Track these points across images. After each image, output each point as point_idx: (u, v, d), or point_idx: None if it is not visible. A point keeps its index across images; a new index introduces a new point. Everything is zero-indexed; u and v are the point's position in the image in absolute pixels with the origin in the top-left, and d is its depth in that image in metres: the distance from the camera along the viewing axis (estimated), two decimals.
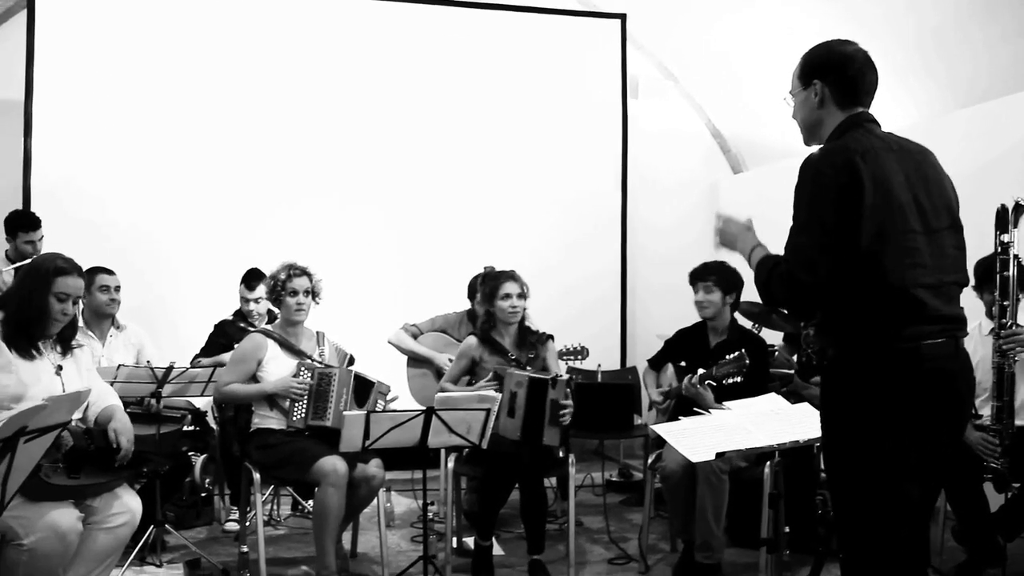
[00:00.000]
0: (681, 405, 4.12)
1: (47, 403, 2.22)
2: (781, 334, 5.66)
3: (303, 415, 3.97)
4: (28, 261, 5.17)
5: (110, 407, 3.26)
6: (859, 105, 2.43)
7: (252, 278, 5.18)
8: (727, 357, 3.99)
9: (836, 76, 2.43)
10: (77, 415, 3.15)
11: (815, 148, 2.44)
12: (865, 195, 2.22)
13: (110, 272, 4.73)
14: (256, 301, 5.15)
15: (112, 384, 3.72)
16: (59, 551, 2.87)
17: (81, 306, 4.68)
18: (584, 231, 7.05)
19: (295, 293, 4.10)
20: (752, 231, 2.62)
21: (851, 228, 2.23)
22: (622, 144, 7.20)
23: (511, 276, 4.37)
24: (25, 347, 3.10)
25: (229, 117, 6.45)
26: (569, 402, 4.07)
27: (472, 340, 4.41)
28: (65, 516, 2.89)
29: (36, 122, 6.12)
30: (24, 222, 5.48)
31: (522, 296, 4.33)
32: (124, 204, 6.24)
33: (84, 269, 4.66)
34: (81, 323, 4.58)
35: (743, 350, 3.95)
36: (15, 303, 3.17)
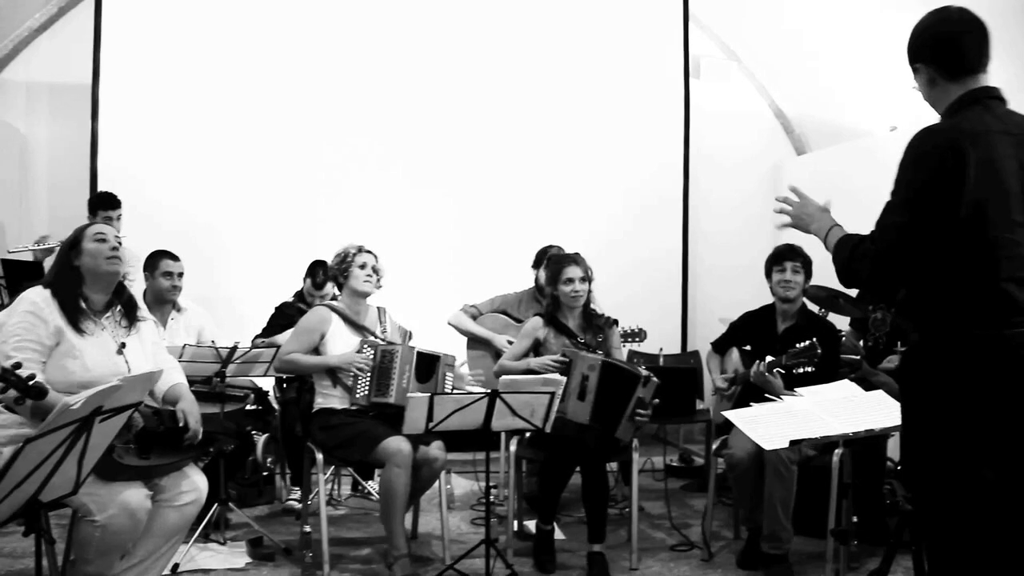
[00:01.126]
0: (748, 391, 4.04)
1: (122, 383, 2.23)
2: (847, 319, 5.54)
3: (366, 392, 3.96)
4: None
5: (177, 386, 3.28)
6: (971, 73, 2.29)
7: (318, 272, 5.17)
8: (798, 346, 3.88)
9: (933, 54, 2.32)
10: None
11: None
12: (967, 181, 2.13)
13: (175, 258, 4.77)
14: (321, 297, 5.13)
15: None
16: (129, 528, 2.90)
17: (143, 287, 4.78)
18: (645, 211, 6.98)
19: (364, 266, 4.12)
20: (828, 212, 2.53)
21: (947, 213, 2.14)
22: (684, 124, 7.11)
23: (574, 260, 4.32)
24: (86, 318, 3.07)
25: (290, 100, 6.48)
26: (650, 411, 4.00)
27: (537, 320, 4.38)
28: (135, 494, 2.92)
29: (103, 106, 6.23)
30: (105, 202, 5.56)
31: (585, 280, 4.28)
32: (186, 187, 6.32)
33: (151, 254, 4.76)
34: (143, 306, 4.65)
35: (815, 339, 3.85)
36: (63, 271, 3.13)
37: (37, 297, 3.03)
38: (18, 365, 2.35)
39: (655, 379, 3.99)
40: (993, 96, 2.29)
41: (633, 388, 3.94)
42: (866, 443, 4.16)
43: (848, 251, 2.30)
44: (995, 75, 2.35)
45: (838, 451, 3.73)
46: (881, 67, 6.30)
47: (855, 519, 3.99)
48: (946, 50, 2.31)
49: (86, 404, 2.00)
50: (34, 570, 2.17)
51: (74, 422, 1.97)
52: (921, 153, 2.20)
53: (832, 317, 5.22)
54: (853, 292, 4.59)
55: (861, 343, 5.36)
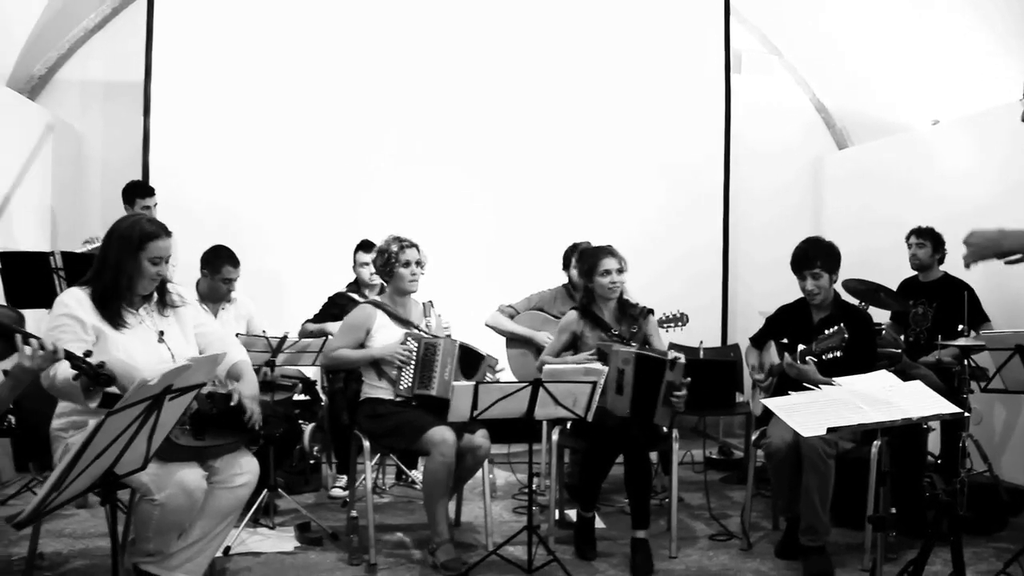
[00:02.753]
0: (784, 382, 4.07)
1: (191, 363, 2.34)
2: (888, 313, 5.54)
3: (410, 383, 4.06)
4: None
5: (240, 363, 3.36)
6: None
7: (366, 246, 5.31)
8: (826, 332, 3.94)
9: None
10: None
11: None
12: None
13: (236, 264, 4.91)
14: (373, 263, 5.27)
15: None
16: (186, 507, 3.02)
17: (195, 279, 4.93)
18: (686, 205, 7.03)
19: (408, 264, 4.20)
20: (1004, 229, 2.60)
21: None
22: (725, 118, 7.12)
23: (609, 251, 4.36)
24: (121, 316, 3.13)
25: (334, 98, 6.61)
26: (684, 391, 4.04)
27: (573, 314, 4.44)
28: (191, 475, 3.04)
29: (154, 102, 6.40)
30: (140, 190, 5.72)
31: (621, 271, 4.34)
32: (234, 181, 6.48)
33: (214, 251, 4.89)
34: (196, 297, 4.79)
35: (842, 324, 3.90)
36: (107, 272, 3.13)
37: (71, 299, 3.09)
38: (89, 353, 2.47)
39: (681, 360, 4.03)
40: None
41: (661, 373, 3.99)
42: (905, 436, 4.20)
43: None
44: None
45: (876, 442, 3.76)
46: (923, 61, 6.28)
47: (893, 510, 4.03)
48: None
49: (160, 381, 2.11)
50: (109, 538, 2.27)
51: (147, 399, 2.08)
52: None
53: (873, 311, 5.24)
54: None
55: (902, 337, 5.38)
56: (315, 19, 6.59)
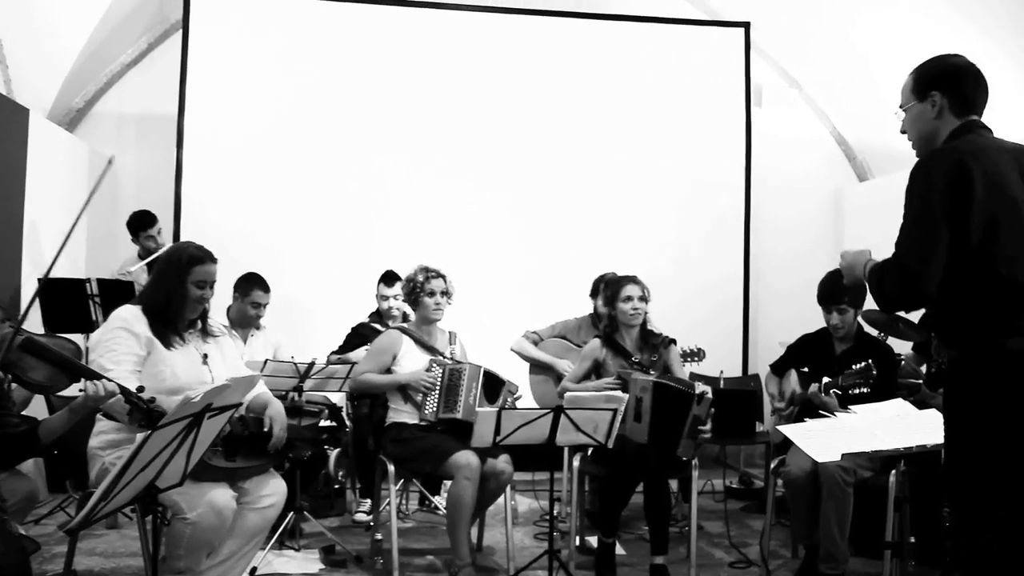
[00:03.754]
0: (805, 411, 4.12)
1: (230, 383, 2.45)
2: (910, 344, 5.57)
3: (435, 408, 4.16)
4: (159, 253, 5.60)
5: (263, 395, 3.50)
6: (973, 113, 2.50)
7: (389, 278, 5.43)
8: (853, 368, 3.98)
9: (954, 86, 2.50)
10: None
11: None
12: (975, 189, 2.28)
13: (266, 290, 5.04)
14: (395, 298, 5.39)
15: None
16: (216, 526, 3.11)
17: (227, 305, 5.05)
18: (706, 238, 7.11)
19: (433, 294, 4.31)
20: (865, 251, 2.65)
21: (960, 222, 2.29)
22: (745, 149, 7.21)
23: (632, 279, 4.48)
24: (170, 337, 3.29)
25: (360, 131, 6.77)
26: (709, 426, 4.11)
27: (596, 342, 4.53)
28: (222, 495, 3.13)
29: (187, 135, 6.57)
30: (140, 221, 5.89)
31: (643, 299, 4.42)
32: (262, 210, 6.63)
33: (245, 277, 5.02)
34: (226, 323, 4.92)
35: (870, 361, 3.94)
36: (157, 295, 3.33)
37: (127, 314, 3.27)
38: (141, 388, 2.58)
39: (709, 395, 4.09)
40: (982, 126, 2.48)
41: (688, 406, 4.05)
42: (925, 464, 4.22)
43: (879, 273, 2.44)
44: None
45: (895, 470, 3.79)
46: None
47: (912, 539, 4.05)
48: (966, 87, 2.50)
49: (205, 397, 2.22)
50: (139, 556, 2.36)
51: (189, 416, 2.19)
52: (927, 170, 2.37)
53: (892, 342, 5.27)
54: (906, 314, 4.65)
55: (924, 368, 5.40)
56: (339, 53, 6.78)
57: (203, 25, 6.58)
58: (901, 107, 2.62)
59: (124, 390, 2.76)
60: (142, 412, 2.47)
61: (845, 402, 3.94)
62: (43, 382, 2.65)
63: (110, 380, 2.69)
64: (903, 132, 2.65)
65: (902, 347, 5.55)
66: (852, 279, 2.66)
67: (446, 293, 4.35)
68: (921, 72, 2.57)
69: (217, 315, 3.71)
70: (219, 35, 6.63)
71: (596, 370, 4.51)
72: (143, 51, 7.02)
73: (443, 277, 4.36)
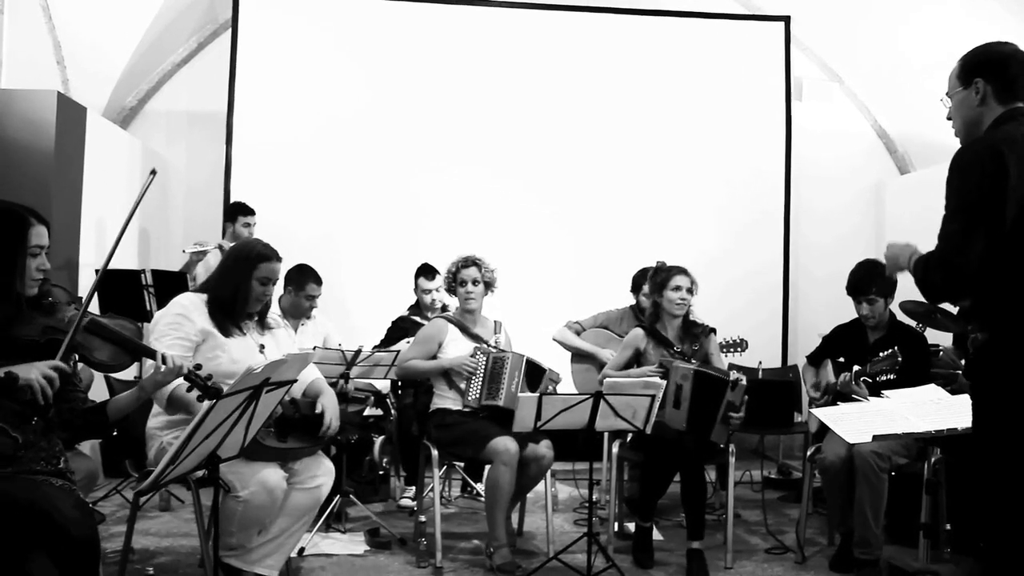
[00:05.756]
0: (839, 400, 4.17)
1: (287, 358, 2.58)
2: (950, 336, 5.57)
3: (478, 395, 4.28)
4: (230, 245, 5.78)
5: (316, 381, 3.62)
6: (1019, 100, 2.52)
7: (428, 271, 5.55)
8: (880, 355, 4.03)
9: (998, 73, 2.53)
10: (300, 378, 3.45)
11: None
12: (1010, 177, 2.32)
13: (319, 282, 5.16)
14: (437, 291, 5.51)
15: None
16: (267, 504, 3.24)
17: (278, 295, 5.20)
18: (748, 227, 7.18)
19: (464, 283, 4.43)
20: (911, 245, 2.70)
21: (996, 211, 2.34)
22: (786, 143, 7.26)
23: (682, 270, 4.53)
24: (229, 327, 3.41)
25: (404, 126, 6.93)
26: (742, 412, 4.18)
27: (638, 331, 4.60)
28: (273, 475, 3.26)
29: (236, 132, 6.77)
30: (243, 208, 6.10)
31: (691, 291, 4.48)
32: (308, 206, 6.82)
33: (299, 269, 5.16)
34: (279, 312, 5.06)
35: (896, 348, 3.99)
36: (222, 286, 3.46)
37: (188, 301, 3.41)
38: (199, 366, 2.72)
39: (743, 381, 4.15)
40: None
41: (723, 393, 4.12)
42: (960, 453, 4.25)
43: (922, 267, 2.50)
44: None
45: (932, 458, 3.83)
46: None
47: (948, 527, 4.10)
48: (1010, 74, 2.53)
49: (264, 371, 2.35)
50: (192, 536, 2.49)
51: (249, 388, 2.32)
52: (964, 163, 2.42)
53: (931, 333, 5.29)
54: (951, 307, 4.68)
55: (963, 361, 5.40)
56: (385, 51, 6.93)
57: (252, 24, 6.78)
58: (947, 94, 2.67)
59: (188, 370, 2.88)
60: (200, 388, 2.60)
61: (874, 390, 3.99)
62: (107, 361, 2.78)
63: (168, 355, 2.82)
64: (949, 119, 2.70)
65: (944, 339, 5.57)
66: (895, 270, 2.72)
67: (478, 282, 4.45)
68: (967, 59, 2.62)
69: (276, 316, 3.84)
70: (267, 34, 6.82)
71: (637, 359, 4.58)
72: (193, 50, 7.22)
73: (477, 265, 4.46)
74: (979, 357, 2.49)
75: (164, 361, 2.73)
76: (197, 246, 5.84)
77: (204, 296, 3.44)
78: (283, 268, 5.18)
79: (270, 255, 3.50)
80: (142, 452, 3.49)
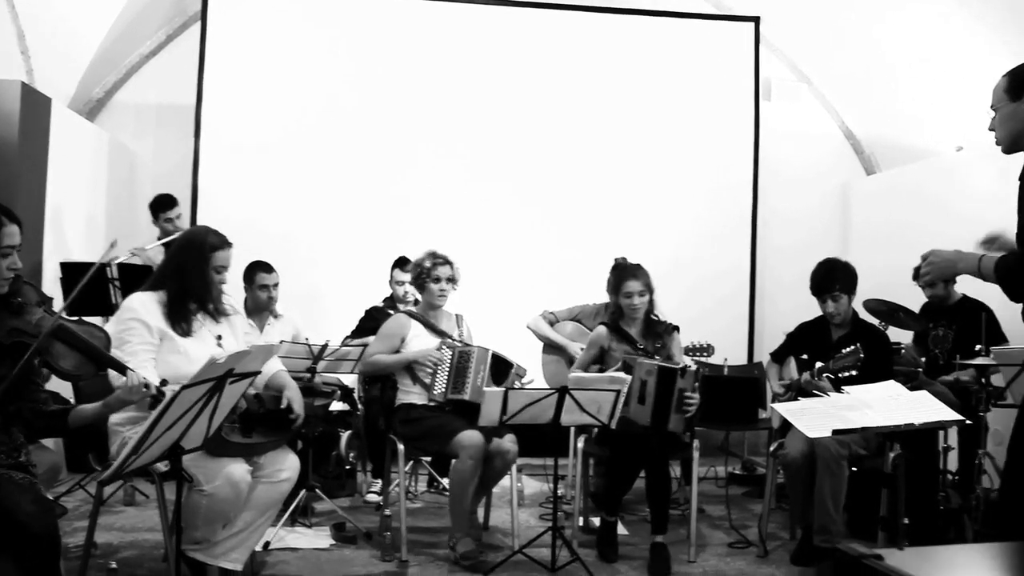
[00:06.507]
0: (801, 397, 4.22)
1: (251, 350, 2.58)
2: (911, 334, 5.66)
3: (444, 389, 4.29)
4: (175, 236, 5.72)
5: (280, 374, 3.60)
6: None
7: (405, 263, 5.56)
8: (843, 351, 4.10)
9: None
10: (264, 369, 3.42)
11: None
12: None
13: (269, 270, 5.14)
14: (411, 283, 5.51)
15: None
16: (232, 498, 3.24)
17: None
18: (715, 228, 7.23)
19: (439, 280, 4.43)
20: (963, 252, 2.80)
21: None
22: (754, 143, 7.33)
23: (633, 274, 4.52)
24: (186, 323, 3.37)
25: (374, 119, 6.91)
26: (696, 395, 4.22)
27: (602, 329, 4.63)
28: (238, 469, 3.25)
29: (204, 125, 6.72)
30: (161, 203, 6.04)
31: (643, 294, 4.48)
32: (278, 199, 6.78)
33: (248, 266, 5.15)
34: (244, 312, 5.04)
35: (858, 344, 4.06)
36: (177, 279, 3.40)
37: (138, 303, 3.34)
38: (164, 383, 2.70)
39: (692, 367, 4.22)
40: None
41: (673, 381, 4.17)
42: (920, 450, 4.35)
43: (1016, 262, 2.59)
44: None
45: (891, 454, 3.90)
46: (949, 89, 6.43)
47: (907, 521, 4.17)
48: None
49: (227, 361, 2.35)
50: (155, 531, 2.49)
51: (213, 379, 2.32)
52: None
53: (893, 331, 5.37)
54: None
55: (923, 359, 5.50)
56: (356, 42, 6.92)
57: (221, 16, 6.73)
58: (992, 107, 2.78)
59: (157, 390, 2.85)
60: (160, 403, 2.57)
61: (837, 385, 4.05)
62: (71, 370, 2.73)
63: (136, 373, 2.79)
64: (991, 130, 2.81)
65: (905, 337, 5.66)
66: (947, 275, 2.83)
67: (451, 280, 4.47)
68: (1017, 75, 2.72)
69: (233, 301, 3.81)
70: (236, 26, 6.77)
71: (601, 357, 4.60)
72: (162, 42, 7.15)
73: (450, 264, 4.47)
74: None
75: (132, 380, 2.71)
76: (140, 250, 5.79)
77: (155, 295, 3.38)
78: (250, 260, 5.24)
79: (222, 243, 3.47)
80: (105, 446, 3.46)
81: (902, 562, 1.44)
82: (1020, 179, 2.66)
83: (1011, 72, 2.74)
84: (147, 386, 2.76)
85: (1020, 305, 2.63)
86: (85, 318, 4.25)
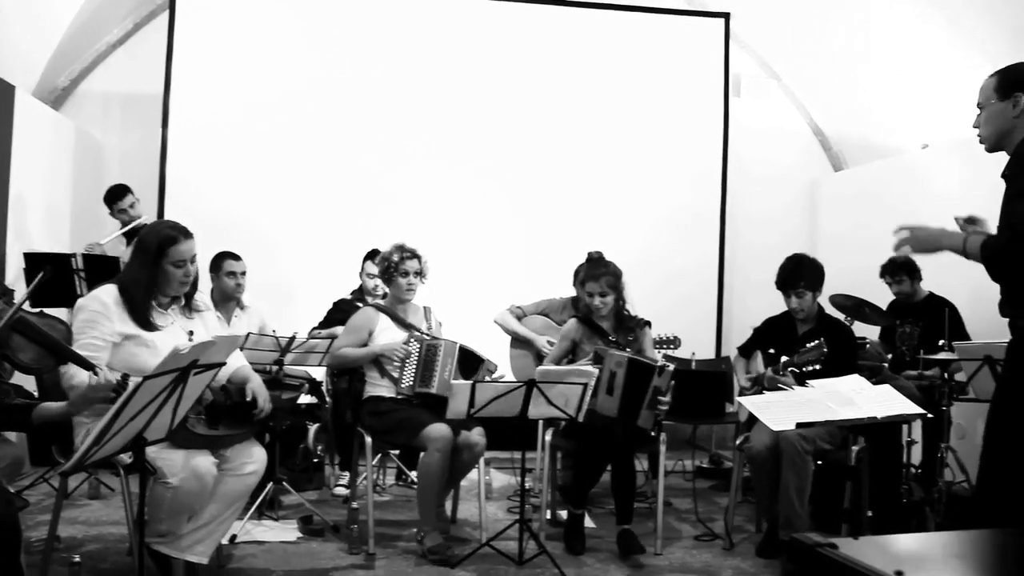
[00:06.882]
0: (769, 391, 4.26)
1: (216, 340, 2.56)
2: (878, 329, 5.73)
3: (411, 383, 4.29)
4: (133, 225, 5.68)
5: (243, 368, 3.58)
6: None
7: (376, 255, 5.53)
8: (807, 346, 4.14)
9: None
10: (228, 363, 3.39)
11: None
12: None
13: (236, 258, 5.13)
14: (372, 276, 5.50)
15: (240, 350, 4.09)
16: (197, 490, 3.21)
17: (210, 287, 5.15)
18: (684, 224, 7.26)
19: (407, 274, 4.43)
20: (948, 230, 2.84)
21: None
22: (723, 139, 7.36)
23: (594, 276, 4.53)
24: (150, 320, 3.32)
25: (345, 110, 6.88)
26: (668, 398, 4.25)
27: (573, 323, 4.64)
28: (204, 461, 3.23)
29: (172, 115, 6.65)
30: (112, 194, 5.97)
31: (604, 295, 4.49)
32: (248, 190, 6.74)
33: (215, 255, 5.11)
34: (211, 304, 5.01)
35: (822, 339, 4.10)
36: (135, 277, 3.34)
37: (102, 299, 3.28)
38: (126, 377, 2.68)
39: (670, 367, 4.23)
40: None
41: (650, 377, 4.19)
42: (883, 444, 4.41)
43: (1003, 244, 2.63)
44: None
45: (855, 447, 3.95)
46: (915, 87, 6.50)
47: (870, 514, 4.22)
48: None
49: (191, 352, 2.34)
50: (120, 525, 2.47)
51: (177, 370, 2.30)
52: None
53: (859, 327, 5.43)
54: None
55: (889, 355, 5.57)
56: (327, 33, 6.88)
57: (189, 4, 6.66)
58: (979, 104, 2.84)
59: (118, 384, 2.83)
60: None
61: (801, 380, 4.10)
62: (30, 364, 2.70)
63: (102, 369, 2.76)
64: (975, 127, 2.87)
65: (871, 332, 5.72)
66: (929, 251, 2.87)
67: (419, 273, 4.47)
68: (1008, 74, 2.78)
69: (205, 298, 3.78)
70: (205, 15, 6.70)
71: (573, 349, 4.62)
72: (129, 31, 7.07)
73: (418, 258, 4.47)
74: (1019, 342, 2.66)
75: (96, 376, 2.69)
76: (95, 246, 5.73)
77: (116, 290, 3.33)
78: (218, 250, 5.21)
79: (176, 236, 3.35)
80: (70, 439, 3.42)
81: (855, 551, 1.46)
82: (1003, 176, 2.70)
83: (1001, 71, 2.79)
84: (115, 390, 2.73)
85: (985, 302, 2.69)
86: (50, 310, 4.22)
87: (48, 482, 4.87)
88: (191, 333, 3.45)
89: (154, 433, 2.46)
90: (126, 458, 3.07)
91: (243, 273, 5.13)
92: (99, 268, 5.01)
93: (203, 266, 5.22)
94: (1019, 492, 2.56)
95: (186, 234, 3.39)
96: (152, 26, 7.04)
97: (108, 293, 3.30)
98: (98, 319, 3.22)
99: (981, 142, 2.88)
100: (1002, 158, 2.86)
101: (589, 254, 5.29)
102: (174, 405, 2.41)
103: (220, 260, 5.13)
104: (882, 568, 1.37)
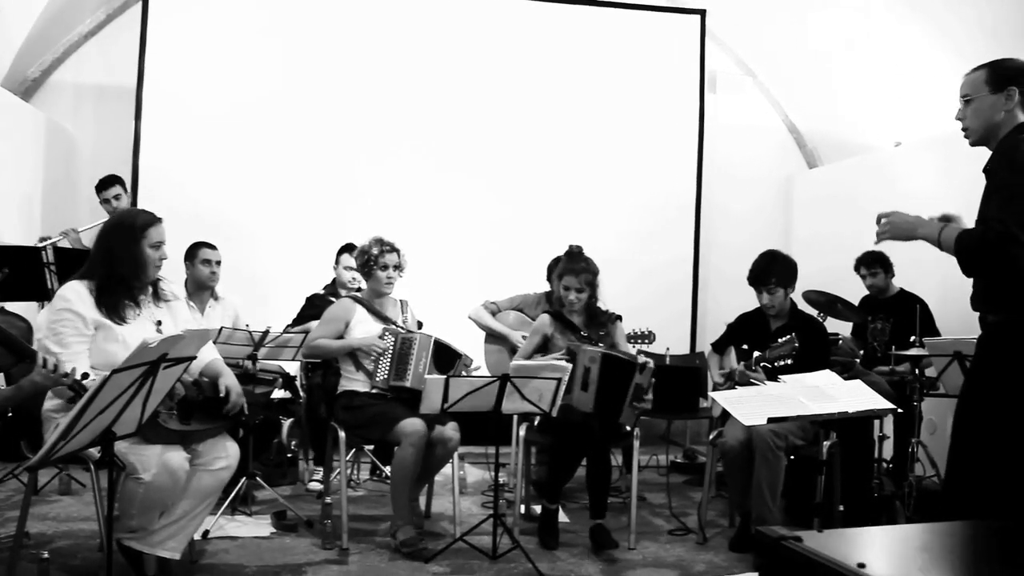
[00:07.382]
0: (739, 386, 4.29)
1: (185, 334, 2.54)
2: (851, 325, 5.77)
3: (386, 376, 4.28)
4: (101, 221, 5.64)
5: (214, 362, 3.55)
6: None
7: (352, 249, 5.51)
8: (779, 341, 4.17)
9: None
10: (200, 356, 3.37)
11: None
12: None
13: (212, 247, 5.11)
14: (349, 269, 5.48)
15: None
16: (169, 486, 3.19)
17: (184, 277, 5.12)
18: (659, 220, 7.29)
19: (386, 267, 4.42)
20: (923, 218, 2.84)
21: None
22: (699, 136, 7.39)
23: (573, 270, 4.53)
24: (123, 310, 3.29)
25: (321, 103, 6.85)
26: (649, 395, 4.27)
27: (545, 318, 4.65)
28: (176, 457, 3.21)
29: (145, 107, 6.60)
30: (103, 182, 5.97)
31: (580, 291, 4.50)
32: (222, 184, 6.70)
33: (190, 244, 5.09)
34: (184, 294, 4.97)
35: (793, 334, 4.13)
36: (107, 265, 3.31)
37: (71, 294, 3.25)
38: (86, 376, 2.66)
39: (651, 364, 4.25)
40: None
41: (631, 376, 4.20)
42: (854, 439, 4.45)
43: (976, 241, 2.63)
44: None
45: (827, 443, 3.98)
46: (888, 86, 6.56)
47: (842, 508, 4.26)
48: None
49: (160, 346, 2.31)
50: (90, 521, 2.45)
51: (145, 363, 2.28)
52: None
53: (832, 322, 5.47)
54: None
55: (861, 351, 5.62)
56: (303, 25, 6.85)
57: None
58: (966, 96, 2.82)
59: (73, 381, 2.82)
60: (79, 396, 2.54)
61: (772, 375, 4.13)
62: None
63: (58, 363, 2.77)
64: (959, 119, 2.86)
65: (843, 328, 5.77)
66: (902, 238, 2.88)
67: (398, 267, 4.46)
68: (1000, 67, 2.78)
69: (178, 290, 3.75)
70: (179, 5, 6.65)
71: (545, 344, 4.63)
72: (101, 22, 7.00)
73: (397, 251, 4.46)
74: (990, 337, 2.70)
75: (45, 365, 2.68)
76: (70, 232, 5.69)
77: (88, 283, 3.29)
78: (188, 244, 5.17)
79: (152, 219, 3.39)
80: (39, 434, 3.39)
81: (820, 544, 1.48)
82: (984, 171, 2.70)
83: (991, 64, 2.77)
84: (56, 369, 2.74)
85: (954, 299, 2.72)
86: (20, 305, 4.17)
87: (17, 478, 4.81)
88: (159, 323, 3.40)
89: (123, 428, 2.44)
90: (96, 453, 3.03)
91: (218, 262, 5.11)
92: (69, 262, 4.95)
93: (176, 259, 5.27)
94: (986, 485, 2.59)
95: (158, 219, 3.44)
96: (125, 17, 6.98)
97: (74, 289, 3.27)
98: (70, 317, 3.20)
99: (966, 135, 2.85)
100: (975, 155, 2.87)
101: (570, 247, 5.28)
102: (143, 399, 2.40)
103: (195, 249, 5.11)
104: (844, 560, 1.39)
